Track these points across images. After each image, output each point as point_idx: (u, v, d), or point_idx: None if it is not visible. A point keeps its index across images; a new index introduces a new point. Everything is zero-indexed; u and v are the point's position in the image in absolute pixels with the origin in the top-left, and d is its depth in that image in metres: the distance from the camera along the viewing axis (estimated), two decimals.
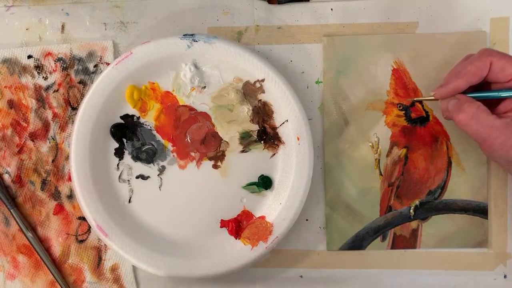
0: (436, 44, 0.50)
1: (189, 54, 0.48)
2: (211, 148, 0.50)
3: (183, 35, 0.48)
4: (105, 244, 0.51)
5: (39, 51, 0.51)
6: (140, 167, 0.50)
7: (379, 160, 0.51)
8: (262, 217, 0.50)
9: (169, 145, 0.50)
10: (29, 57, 0.51)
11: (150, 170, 0.50)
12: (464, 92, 0.45)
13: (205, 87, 0.50)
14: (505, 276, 0.52)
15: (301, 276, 0.52)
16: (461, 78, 0.44)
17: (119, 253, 0.48)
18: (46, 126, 0.51)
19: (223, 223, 0.50)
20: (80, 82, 0.51)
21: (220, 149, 0.50)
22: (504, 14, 0.51)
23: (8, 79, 0.51)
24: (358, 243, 0.51)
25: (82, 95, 0.51)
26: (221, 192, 0.50)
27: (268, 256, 0.51)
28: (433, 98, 0.46)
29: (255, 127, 0.50)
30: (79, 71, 0.51)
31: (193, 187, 0.50)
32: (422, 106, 0.51)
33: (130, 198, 0.50)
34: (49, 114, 0.51)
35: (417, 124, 0.51)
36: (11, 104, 0.51)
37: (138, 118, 0.50)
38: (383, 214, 0.51)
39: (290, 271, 0.52)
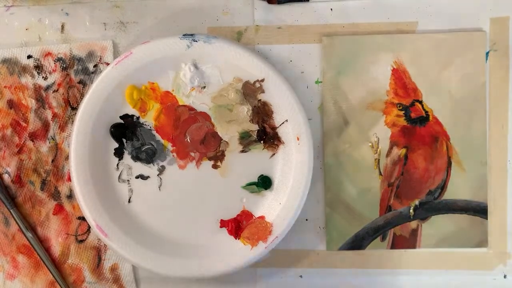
0: (436, 44, 0.50)
1: (189, 54, 0.48)
2: (211, 148, 0.50)
3: (183, 35, 0.48)
4: (104, 244, 0.51)
5: (39, 51, 0.51)
6: (139, 167, 0.50)
7: (379, 160, 0.51)
8: (262, 217, 0.49)
9: (169, 145, 0.50)
10: (29, 57, 0.51)
11: (149, 170, 0.50)
12: None
13: (204, 87, 0.50)
14: (505, 276, 0.52)
15: (300, 276, 0.52)
16: None
17: (118, 253, 0.48)
18: (45, 126, 0.51)
19: (223, 223, 0.50)
20: (80, 82, 0.51)
21: (220, 149, 0.50)
22: (504, 14, 0.51)
23: (7, 79, 0.51)
24: (358, 243, 0.51)
25: (82, 95, 0.51)
26: (220, 192, 0.50)
27: (267, 256, 0.51)
28: None
29: (254, 127, 0.50)
30: (78, 71, 0.51)
31: (193, 187, 0.50)
32: (422, 106, 0.51)
33: (130, 198, 0.50)
34: (48, 114, 0.51)
35: (417, 124, 0.51)
36: (10, 104, 0.51)
37: (138, 118, 0.50)
38: (383, 214, 0.51)
39: (290, 271, 0.52)
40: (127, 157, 0.50)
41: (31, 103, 0.51)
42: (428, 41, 0.50)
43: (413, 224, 0.52)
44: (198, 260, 0.49)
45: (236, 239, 0.50)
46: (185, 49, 0.48)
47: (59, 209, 0.52)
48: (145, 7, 0.51)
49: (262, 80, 0.49)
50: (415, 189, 0.51)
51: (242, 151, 0.50)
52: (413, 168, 0.51)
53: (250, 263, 0.49)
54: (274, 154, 0.50)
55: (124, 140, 0.50)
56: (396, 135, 0.51)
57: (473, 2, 0.51)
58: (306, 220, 0.52)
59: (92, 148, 0.48)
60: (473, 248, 0.52)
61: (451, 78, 0.51)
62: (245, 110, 0.50)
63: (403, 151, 0.51)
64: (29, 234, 0.51)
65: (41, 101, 0.51)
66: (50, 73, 0.51)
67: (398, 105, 0.51)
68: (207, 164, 0.50)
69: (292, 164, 0.49)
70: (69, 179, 0.50)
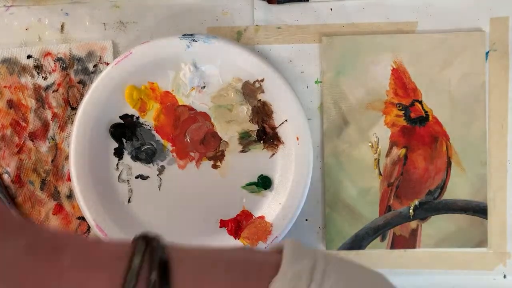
0: (436, 44, 0.50)
1: (189, 54, 0.48)
2: (211, 148, 0.50)
3: (183, 35, 0.48)
4: None
5: (39, 51, 0.51)
6: (139, 167, 0.50)
7: (378, 160, 0.51)
8: (262, 217, 0.49)
9: (169, 145, 0.50)
10: (29, 57, 0.51)
11: (149, 170, 0.50)
12: None
13: (204, 87, 0.50)
14: (504, 276, 0.52)
15: None
16: None
17: None
18: (45, 126, 0.51)
19: (223, 223, 0.50)
20: (80, 82, 0.51)
21: (220, 149, 0.50)
22: (504, 14, 0.51)
23: (7, 79, 0.51)
24: (357, 243, 0.51)
25: (82, 95, 0.51)
26: (220, 192, 0.50)
27: None
28: None
29: (254, 127, 0.50)
30: (78, 71, 0.51)
31: (193, 187, 0.50)
32: (422, 106, 0.51)
33: (130, 198, 0.50)
34: (48, 114, 0.51)
35: (416, 124, 0.51)
36: (10, 104, 0.51)
37: (138, 118, 0.50)
38: (383, 214, 0.51)
39: None
40: (127, 157, 0.50)
41: (31, 103, 0.51)
42: (428, 41, 0.50)
43: (413, 224, 0.52)
44: None
45: (236, 239, 0.50)
46: (185, 49, 0.48)
47: (59, 209, 0.52)
48: (145, 7, 0.51)
49: (262, 80, 0.49)
50: (415, 189, 0.51)
51: (242, 151, 0.50)
52: (412, 168, 0.51)
53: None
54: (273, 154, 0.50)
55: (124, 140, 0.50)
56: (396, 135, 0.51)
57: (473, 2, 0.51)
58: (306, 220, 0.52)
59: (92, 148, 0.48)
60: (473, 248, 0.52)
61: (450, 78, 0.51)
62: (245, 110, 0.50)
63: (403, 151, 0.51)
64: None
65: (41, 101, 0.51)
66: (50, 73, 0.51)
67: (397, 105, 0.51)
68: (207, 164, 0.50)
69: (292, 164, 0.49)
70: (69, 179, 0.50)
